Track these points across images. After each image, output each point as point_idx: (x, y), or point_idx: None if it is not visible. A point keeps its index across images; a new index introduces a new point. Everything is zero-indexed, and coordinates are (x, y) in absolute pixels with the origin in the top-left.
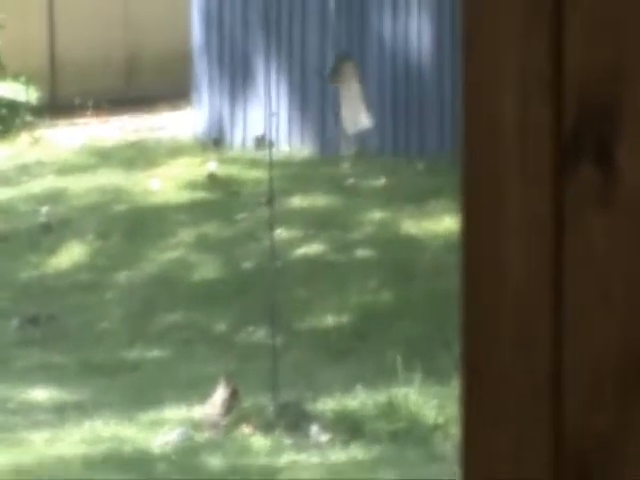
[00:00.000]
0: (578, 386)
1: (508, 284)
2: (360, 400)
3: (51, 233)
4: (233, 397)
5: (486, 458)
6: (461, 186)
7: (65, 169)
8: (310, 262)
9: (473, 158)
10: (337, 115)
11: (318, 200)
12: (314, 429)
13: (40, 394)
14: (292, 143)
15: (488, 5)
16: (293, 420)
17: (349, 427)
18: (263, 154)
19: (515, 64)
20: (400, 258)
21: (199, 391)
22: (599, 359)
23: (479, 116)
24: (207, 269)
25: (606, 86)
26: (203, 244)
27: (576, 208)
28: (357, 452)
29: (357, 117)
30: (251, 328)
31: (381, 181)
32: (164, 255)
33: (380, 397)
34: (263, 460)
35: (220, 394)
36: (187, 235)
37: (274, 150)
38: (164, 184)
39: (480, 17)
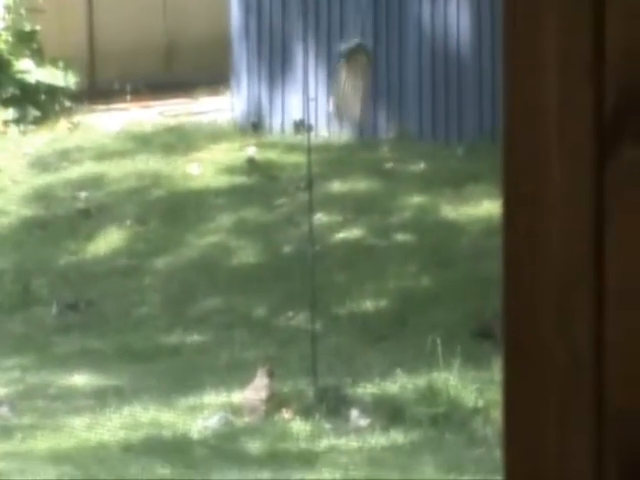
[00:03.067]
0: (619, 363)
1: (549, 265)
2: (399, 385)
3: (90, 219)
4: (272, 382)
5: (529, 437)
6: (502, 169)
7: (104, 154)
8: (349, 247)
9: (514, 141)
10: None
11: (357, 185)
12: (354, 414)
13: (80, 380)
14: (331, 128)
15: None
16: (333, 405)
17: (389, 412)
18: (302, 139)
19: (556, 48)
20: (439, 243)
21: (238, 376)
22: None
23: (520, 99)
24: (246, 254)
25: None
26: (242, 229)
27: (617, 189)
28: (397, 437)
29: (349, 109)
30: (290, 313)
31: (420, 166)
32: (203, 240)
33: (419, 382)
34: (303, 445)
35: (260, 379)
36: (226, 220)
37: (313, 135)
38: (203, 169)
39: (522, 2)
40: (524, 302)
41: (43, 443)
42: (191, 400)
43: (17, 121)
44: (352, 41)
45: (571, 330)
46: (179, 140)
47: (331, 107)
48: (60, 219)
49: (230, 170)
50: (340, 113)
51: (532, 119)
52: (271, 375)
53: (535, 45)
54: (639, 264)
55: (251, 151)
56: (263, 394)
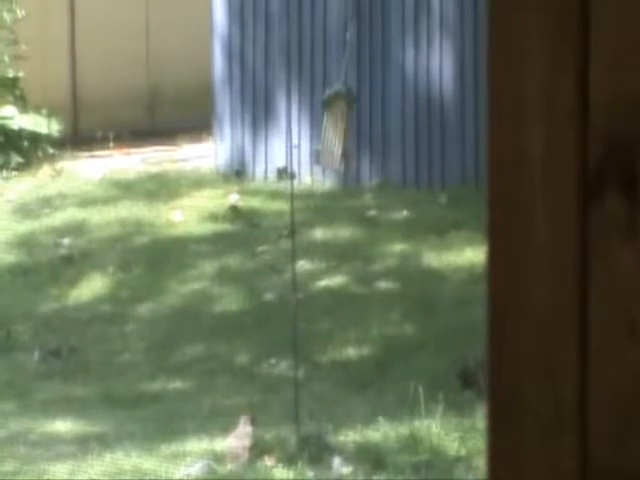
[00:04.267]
0: (605, 418)
1: (533, 315)
2: (382, 432)
3: (72, 265)
4: (255, 429)
5: None
6: (487, 217)
7: (86, 201)
8: (332, 294)
9: (498, 190)
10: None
11: (340, 232)
12: (336, 461)
13: (62, 426)
14: (314, 175)
15: (514, 38)
16: (315, 452)
17: (371, 459)
18: (285, 186)
19: (541, 97)
20: (422, 290)
21: (221, 423)
22: (626, 391)
23: (504, 148)
24: (229, 301)
25: (631, 120)
26: (225, 276)
27: (601, 240)
28: None
29: (331, 156)
30: (273, 360)
31: (403, 213)
32: (186, 287)
33: (402, 429)
34: None
35: (242, 427)
36: (209, 267)
37: (296, 182)
38: (186, 216)
39: (506, 50)
40: (508, 352)
41: None
42: (173, 447)
43: (0, 167)
44: (332, 89)
45: (555, 383)
46: (162, 187)
47: (319, 153)
48: (43, 265)
49: (213, 217)
50: (322, 160)
51: (516, 168)
52: (254, 423)
53: (519, 94)
54: (623, 317)
55: (234, 198)
56: (246, 442)
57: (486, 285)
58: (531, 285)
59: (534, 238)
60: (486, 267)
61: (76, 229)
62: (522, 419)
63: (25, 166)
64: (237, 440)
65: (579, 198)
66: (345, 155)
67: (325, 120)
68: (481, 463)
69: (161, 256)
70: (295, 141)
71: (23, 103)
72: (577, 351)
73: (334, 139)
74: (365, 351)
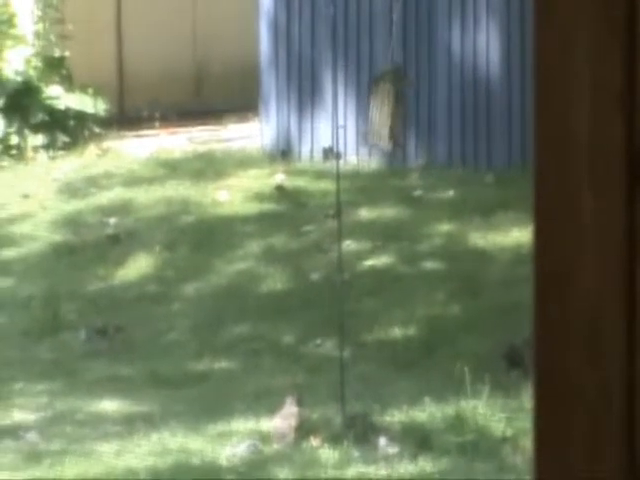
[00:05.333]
0: None
1: (580, 296)
2: (428, 413)
3: (118, 245)
4: (301, 410)
5: (558, 468)
6: (533, 199)
7: (133, 180)
8: (378, 274)
9: (545, 171)
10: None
11: (386, 212)
12: (382, 441)
13: (108, 406)
14: (360, 155)
15: (562, 21)
16: (361, 432)
17: (417, 439)
18: (331, 166)
19: (588, 78)
20: (468, 270)
21: (267, 403)
22: None
23: (551, 129)
24: (275, 281)
25: None
26: (271, 256)
27: None
28: (425, 465)
29: (378, 136)
30: (319, 340)
31: (449, 193)
32: (232, 267)
33: (448, 410)
34: (331, 472)
35: (289, 407)
36: (255, 247)
37: (342, 162)
38: (232, 196)
39: (554, 32)
40: (555, 334)
41: (71, 469)
42: (219, 427)
43: (46, 147)
44: (381, 69)
45: (601, 365)
46: (208, 167)
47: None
48: (89, 245)
49: (259, 197)
50: (371, 140)
51: (563, 149)
52: (300, 403)
53: (566, 75)
54: None
55: (280, 178)
56: (292, 422)
57: (532, 265)
58: (577, 266)
59: (581, 218)
60: (532, 247)
61: (122, 208)
62: (568, 401)
63: (71, 145)
64: (283, 420)
65: (626, 178)
66: (395, 135)
67: (373, 100)
68: (527, 444)
69: (207, 236)
70: (341, 121)
71: (69, 82)
72: (624, 334)
73: (384, 119)
74: (411, 331)
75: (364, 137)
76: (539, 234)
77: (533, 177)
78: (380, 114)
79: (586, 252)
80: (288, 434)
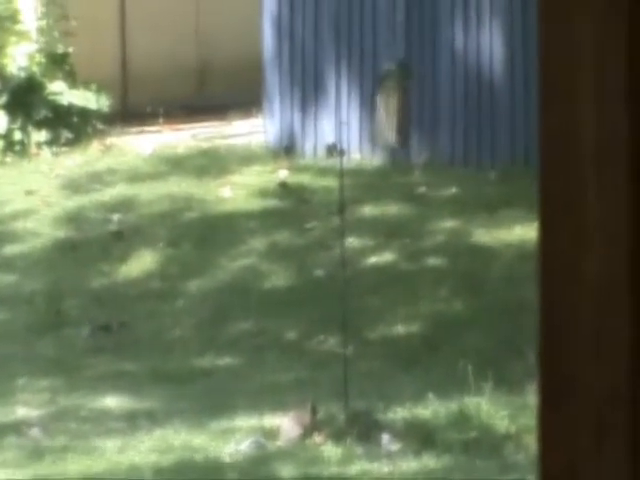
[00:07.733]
0: None
1: (584, 293)
2: (431, 409)
3: (122, 241)
4: (305, 406)
5: (563, 466)
6: (538, 195)
7: (136, 177)
8: (381, 271)
9: (550, 167)
10: (373, 128)
11: (389, 209)
12: (385, 438)
13: (111, 402)
14: (363, 152)
15: (565, 16)
16: (364, 429)
17: (420, 436)
18: (334, 162)
19: (592, 75)
20: (471, 267)
21: (270, 399)
22: None
23: (556, 126)
24: (278, 277)
25: None
26: (274, 252)
27: None
28: (429, 461)
29: (385, 132)
30: (322, 336)
31: (452, 190)
32: (235, 263)
33: (451, 406)
34: (334, 469)
35: (302, 412)
36: (258, 243)
37: (345, 159)
38: (235, 192)
39: (557, 28)
40: (560, 331)
41: (74, 465)
42: (223, 423)
43: (49, 143)
44: (386, 67)
45: (607, 362)
46: (212, 163)
47: (373, 131)
48: (92, 241)
49: (262, 193)
50: (378, 136)
51: (567, 146)
52: (314, 410)
53: (570, 72)
54: None
55: (283, 174)
56: (296, 418)
57: (537, 262)
58: (584, 262)
59: (585, 215)
60: (537, 244)
61: (125, 205)
62: (573, 398)
63: (74, 141)
64: (294, 424)
65: (631, 175)
66: (404, 130)
67: (380, 98)
68: (531, 441)
69: (210, 232)
70: (344, 117)
71: (72, 79)
72: (629, 331)
73: (391, 115)
74: (414, 328)
75: (371, 137)
76: (544, 231)
77: (538, 173)
78: (387, 111)
79: (591, 248)
80: (291, 431)
